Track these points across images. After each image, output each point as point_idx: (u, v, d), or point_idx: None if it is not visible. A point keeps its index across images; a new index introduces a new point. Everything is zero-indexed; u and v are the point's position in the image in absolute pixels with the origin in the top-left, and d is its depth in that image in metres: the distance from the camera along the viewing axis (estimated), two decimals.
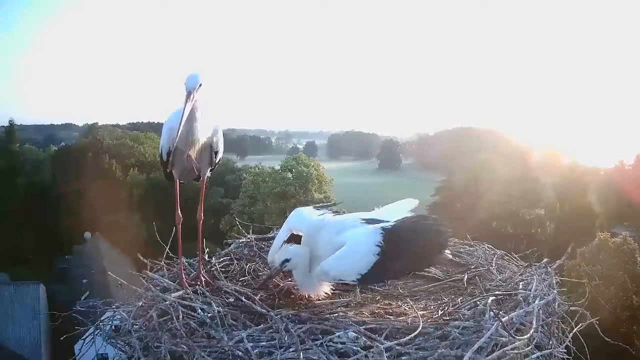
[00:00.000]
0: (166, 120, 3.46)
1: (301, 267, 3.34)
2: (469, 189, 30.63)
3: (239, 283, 3.66)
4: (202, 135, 3.33)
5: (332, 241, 3.31)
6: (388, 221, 3.37)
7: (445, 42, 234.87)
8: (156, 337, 2.92)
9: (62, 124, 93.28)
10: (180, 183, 3.73)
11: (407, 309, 3.21)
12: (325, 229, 3.43)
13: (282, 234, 3.72)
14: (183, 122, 3.13)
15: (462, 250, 4.41)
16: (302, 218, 3.70)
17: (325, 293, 3.40)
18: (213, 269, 3.83)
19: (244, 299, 3.20)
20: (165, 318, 3.05)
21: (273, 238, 4.54)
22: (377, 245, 3.13)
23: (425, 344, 2.69)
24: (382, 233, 3.17)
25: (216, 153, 3.53)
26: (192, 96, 3.16)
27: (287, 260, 3.35)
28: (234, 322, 2.97)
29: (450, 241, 3.54)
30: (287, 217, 3.89)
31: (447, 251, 3.57)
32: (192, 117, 3.22)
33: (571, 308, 3.34)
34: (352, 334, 2.74)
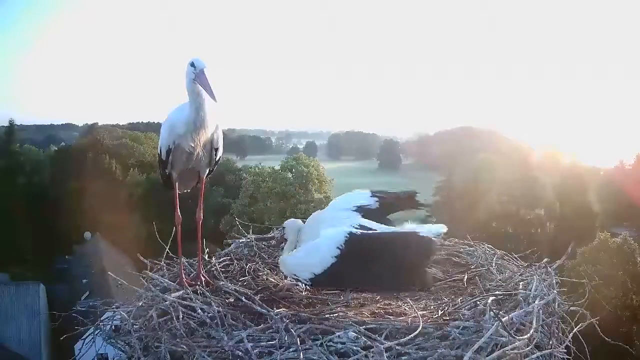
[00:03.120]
0: (166, 119, 3.47)
1: (290, 241, 3.48)
2: (469, 189, 30.64)
3: (239, 283, 3.66)
4: (209, 124, 3.33)
5: (314, 233, 3.34)
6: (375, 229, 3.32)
7: (446, 42, 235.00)
8: (156, 337, 2.92)
9: (62, 124, 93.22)
10: (181, 191, 3.77)
11: (407, 309, 3.20)
12: (321, 221, 3.53)
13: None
14: (209, 94, 3.13)
15: (462, 250, 4.41)
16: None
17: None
18: (213, 269, 3.83)
19: (244, 299, 3.20)
20: (165, 318, 3.06)
21: (273, 238, 4.57)
22: (338, 248, 3.05)
23: (425, 344, 2.69)
24: (346, 237, 3.09)
25: (216, 150, 3.54)
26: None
27: (283, 228, 3.58)
28: (234, 322, 2.97)
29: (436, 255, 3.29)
30: (286, 217, 3.96)
31: (433, 270, 3.29)
32: (201, 101, 3.23)
33: (571, 308, 3.34)
34: (352, 334, 2.74)
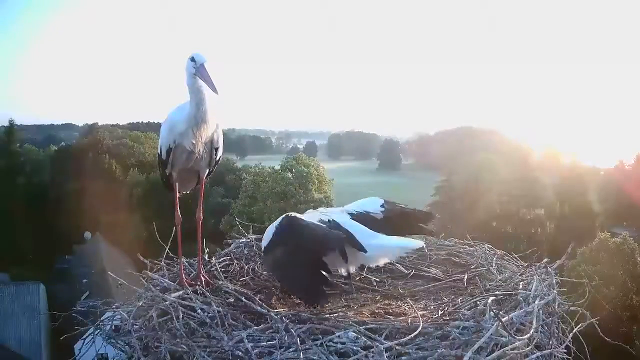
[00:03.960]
0: (166, 119, 3.46)
1: None
2: (469, 189, 30.59)
3: (239, 283, 3.66)
4: (210, 120, 3.33)
5: None
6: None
7: (446, 41, 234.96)
8: (156, 337, 2.92)
9: (62, 124, 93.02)
10: (181, 193, 3.77)
11: (407, 309, 3.21)
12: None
13: None
14: (210, 86, 3.14)
15: (462, 250, 4.42)
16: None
17: None
18: (213, 269, 3.83)
19: (244, 299, 3.20)
20: (165, 318, 3.05)
21: None
22: (275, 226, 3.35)
23: (425, 344, 2.69)
24: (282, 217, 3.37)
25: (216, 150, 3.53)
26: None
27: None
28: (234, 322, 2.97)
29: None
30: None
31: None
32: (202, 96, 3.23)
33: (571, 308, 3.33)
34: (352, 334, 2.74)
